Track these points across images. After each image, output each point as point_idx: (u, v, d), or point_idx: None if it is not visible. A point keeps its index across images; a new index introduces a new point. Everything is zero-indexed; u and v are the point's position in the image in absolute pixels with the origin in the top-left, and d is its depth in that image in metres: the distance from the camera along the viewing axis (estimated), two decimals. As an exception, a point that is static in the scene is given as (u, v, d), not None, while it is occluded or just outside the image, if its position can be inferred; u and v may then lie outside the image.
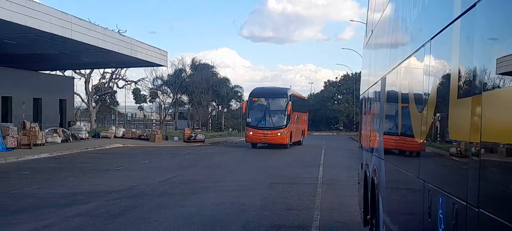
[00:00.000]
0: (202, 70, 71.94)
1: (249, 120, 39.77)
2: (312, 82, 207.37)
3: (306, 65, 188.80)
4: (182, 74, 72.64)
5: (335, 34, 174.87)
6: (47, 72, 46.12)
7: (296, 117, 41.65)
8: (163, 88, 73.13)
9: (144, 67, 61.48)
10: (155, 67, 61.81)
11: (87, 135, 42.15)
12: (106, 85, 67.64)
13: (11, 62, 35.86)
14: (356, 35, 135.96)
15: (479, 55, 3.03)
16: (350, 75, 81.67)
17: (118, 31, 35.35)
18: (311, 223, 11.46)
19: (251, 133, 39.27)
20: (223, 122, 74.24)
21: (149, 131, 50.73)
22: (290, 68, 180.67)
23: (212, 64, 76.52)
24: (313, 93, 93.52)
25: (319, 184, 18.16)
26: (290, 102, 39.45)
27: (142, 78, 71.58)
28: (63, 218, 11.66)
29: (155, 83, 72.23)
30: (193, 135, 45.79)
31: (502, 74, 2.65)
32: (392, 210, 6.29)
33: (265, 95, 40.64)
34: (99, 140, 41.99)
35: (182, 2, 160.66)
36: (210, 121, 74.36)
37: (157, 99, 75.19)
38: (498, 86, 2.73)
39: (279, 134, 38.44)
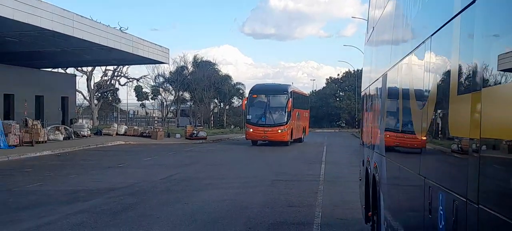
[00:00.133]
0: (204, 67, 71.90)
1: (249, 117, 39.45)
2: (314, 79, 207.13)
3: (308, 62, 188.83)
4: (184, 72, 72.61)
5: (337, 31, 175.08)
6: (49, 69, 46.15)
7: (297, 114, 41.25)
8: (165, 85, 73.15)
9: (146, 65, 61.52)
10: (157, 65, 61.87)
11: (89, 132, 42.17)
12: (108, 82, 67.65)
13: (13, 59, 35.89)
14: (358, 32, 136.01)
15: (478, 52, 3.04)
16: (352, 72, 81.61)
17: (120, 29, 35.46)
18: (313, 220, 11.47)
19: (251, 130, 38.94)
20: (225, 119, 74.23)
21: (151, 128, 50.70)
22: (292, 66, 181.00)
23: (214, 62, 76.52)
24: (315, 90, 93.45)
25: (321, 181, 18.17)
26: (290, 99, 39.09)
27: (144, 76, 71.70)
28: (65, 215, 11.68)
29: (157, 81, 72.27)
30: (195, 132, 45.78)
31: (503, 70, 2.66)
32: (393, 207, 6.29)
33: (266, 92, 40.28)
34: (101, 137, 42.00)
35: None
36: (212, 118, 74.33)
37: (159, 96, 75.23)
38: (498, 83, 2.73)
39: (279, 131, 38.11)
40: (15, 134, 30.48)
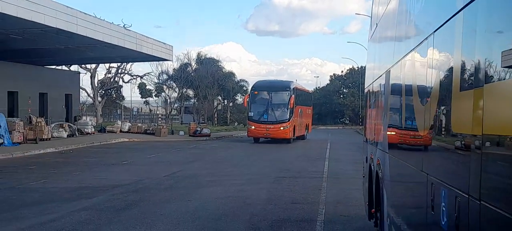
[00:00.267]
0: (208, 64, 71.90)
1: (251, 114, 38.88)
2: (317, 76, 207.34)
3: (312, 59, 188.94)
4: (188, 69, 72.63)
5: (341, 27, 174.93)
6: (53, 67, 46.19)
7: (299, 111, 40.81)
8: (169, 82, 73.17)
9: (149, 62, 61.57)
10: (160, 62, 61.91)
11: (93, 129, 42.23)
12: (111, 80, 67.74)
13: (17, 57, 35.96)
14: (362, 28, 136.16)
15: (481, 48, 3.03)
16: (356, 69, 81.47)
17: (124, 26, 35.42)
18: (316, 217, 11.47)
19: (253, 127, 38.41)
20: (228, 116, 74.25)
21: (154, 125, 50.78)
22: (296, 62, 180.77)
23: (218, 59, 76.51)
24: (318, 87, 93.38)
25: (325, 177, 18.17)
26: (293, 95, 38.60)
27: (148, 73, 71.69)
28: (69, 212, 11.71)
29: (160, 78, 72.30)
30: (199, 129, 45.78)
31: (507, 67, 2.65)
32: (396, 203, 6.29)
33: (268, 88, 39.75)
34: (105, 134, 42.07)
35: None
36: (215, 115, 74.34)
37: (163, 93, 75.25)
38: (500, 79, 2.73)
39: (282, 128, 37.61)
40: (19, 131, 30.56)
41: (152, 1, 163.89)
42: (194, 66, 73.71)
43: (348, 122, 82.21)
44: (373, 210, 8.71)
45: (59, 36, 28.74)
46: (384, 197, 7.32)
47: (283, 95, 38.65)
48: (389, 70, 7.03)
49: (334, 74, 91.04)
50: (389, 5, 7.64)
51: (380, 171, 7.76)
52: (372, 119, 9.74)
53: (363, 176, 10.95)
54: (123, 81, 69.89)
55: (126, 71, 67.64)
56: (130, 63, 64.50)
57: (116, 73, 67.06)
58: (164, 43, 40.79)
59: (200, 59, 73.85)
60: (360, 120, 64.04)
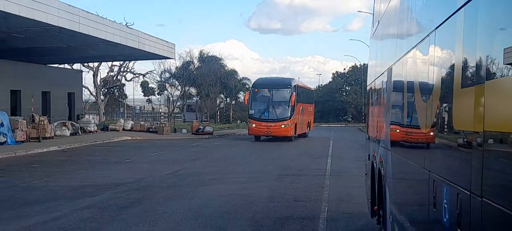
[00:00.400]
0: (210, 62, 71.86)
1: (251, 111, 38.55)
2: (320, 74, 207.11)
3: (314, 56, 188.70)
4: (190, 67, 72.60)
5: (343, 25, 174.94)
6: (56, 65, 46.27)
7: (301, 108, 40.47)
8: (171, 81, 73.16)
9: (152, 60, 61.56)
10: (163, 60, 61.88)
11: (95, 128, 42.27)
12: (114, 78, 67.71)
13: (20, 55, 36.01)
14: (364, 26, 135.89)
15: (482, 45, 3.03)
16: (358, 66, 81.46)
17: (126, 24, 35.39)
18: (319, 215, 11.47)
19: (254, 125, 38.10)
20: (231, 114, 74.24)
21: (157, 123, 50.78)
22: (298, 60, 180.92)
23: (220, 57, 76.45)
24: (321, 84, 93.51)
25: (327, 175, 18.17)
26: (294, 93, 38.23)
27: (150, 71, 71.69)
28: (72, 211, 11.73)
29: (163, 76, 72.26)
30: (201, 127, 45.78)
31: (509, 64, 2.64)
32: (399, 201, 6.29)
33: (268, 86, 39.37)
34: (107, 132, 42.11)
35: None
36: (218, 113, 74.33)
37: (165, 92, 75.25)
38: (501, 76, 2.72)
39: (283, 126, 37.27)
40: (22, 130, 30.60)
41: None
42: (197, 64, 73.68)
43: (350, 119, 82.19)
44: (376, 207, 8.71)
45: (61, 35, 28.77)
46: (386, 195, 7.32)
47: (284, 92, 38.29)
48: (391, 68, 7.03)
49: (336, 72, 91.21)
50: (391, 2, 7.64)
51: (382, 169, 7.76)
52: (374, 117, 9.74)
53: (366, 174, 10.95)
54: (125, 79, 69.89)
55: (128, 70, 67.61)
56: (133, 62, 64.47)
57: (119, 71, 67.03)
58: (167, 42, 40.80)
59: (203, 57, 73.82)
60: (363, 117, 63.99)
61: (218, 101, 75.93)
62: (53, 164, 22.10)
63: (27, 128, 31.33)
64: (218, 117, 73.40)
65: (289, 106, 37.77)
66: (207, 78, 69.45)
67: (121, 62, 63.95)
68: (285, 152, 28.83)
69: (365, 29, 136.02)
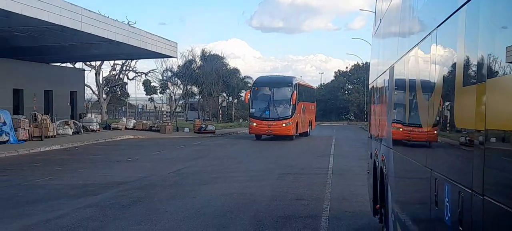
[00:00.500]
0: (212, 61, 71.81)
1: (252, 110, 38.19)
2: (322, 73, 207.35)
3: (316, 55, 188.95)
4: (192, 66, 72.55)
5: (346, 23, 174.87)
6: (58, 64, 46.29)
7: (302, 107, 40.07)
8: (174, 79, 73.15)
9: (154, 59, 61.57)
10: (165, 59, 61.89)
11: (98, 126, 42.27)
12: (116, 77, 67.76)
13: (22, 54, 36.04)
14: (367, 24, 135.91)
15: (484, 43, 3.03)
16: (361, 65, 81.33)
17: (128, 23, 35.48)
18: (321, 213, 11.48)
19: (254, 124, 37.71)
20: (233, 112, 74.22)
21: (159, 122, 50.80)
22: (300, 59, 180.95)
23: (222, 55, 76.38)
24: (323, 83, 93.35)
25: (329, 174, 18.17)
26: (295, 91, 37.86)
27: (152, 70, 71.70)
28: (74, 209, 11.75)
29: (165, 75, 72.24)
30: (204, 126, 45.78)
31: (511, 62, 2.64)
32: (401, 199, 6.29)
33: (269, 84, 38.93)
34: (110, 131, 42.12)
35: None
36: (220, 112, 74.29)
37: (168, 90, 75.26)
38: (503, 74, 2.72)
39: (284, 125, 36.94)
40: (24, 129, 30.64)
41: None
42: (199, 63, 73.61)
43: (353, 118, 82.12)
44: (378, 206, 8.71)
45: (63, 34, 28.80)
46: (388, 193, 7.32)
47: (285, 91, 37.96)
48: (393, 66, 7.03)
49: (338, 71, 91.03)
50: (393, 1, 7.64)
51: (384, 167, 7.76)
52: (376, 115, 9.73)
53: (368, 172, 10.95)
54: (127, 78, 70.00)
55: (130, 68, 67.69)
56: (135, 60, 64.51)
57: (121, 70, 67.10)
58: (169, 40, 40.80)
59: (205, 56, 73.76)
60: (365, 116, 63.94)
61: (220, 100, 75.87)
62: (56, 162, 22.13)
63: (29, 126, 31.37)
64: (220, 115, 73.38)
65: (290, 105, 37.45)
66: (209, 77, 69.41)
67: (123, 61, 63.99)
68: (287, 150, 28.83)
69: (367, 28, 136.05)
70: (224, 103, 77.11)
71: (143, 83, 74.29)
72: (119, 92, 72.73)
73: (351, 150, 28.72)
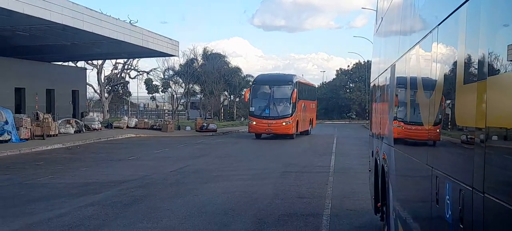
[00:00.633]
0: (214, 60, 71.85)
1: (252, 109, 37.90)
2: (324, 71, 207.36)
3: (318, 54, 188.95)
4: (194, 64, 72.60)
5: (348, 22, 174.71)
6: (60, 63, 46.31)
7: (302, 105, 39.83)
8: (175, 78, 73.17)
9: (156, 57, 61.59)
10: (167, 57, 61.92)
11: (100, 125, 42.32)
12: (118, 75, 67.81)
13: (24, 53, 36.06)
14: (368, 23, 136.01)
15: (484, 41, 3.03)
16: (362, 63, 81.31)
17: (130, 22, 35.49)
18: (323, 211, 11.49)
19: (254, 122, 37.39)
20: (235, 111, 74.24)
21: (161, 121, 50.82)
22: (302, 57, 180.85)
23: (224, 54, 76.40)
24: (325, 82, 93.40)
25: (331, 172, 18.18)
26: (295, 89, 37.52)
27: (154, 69, 71.77)
28: (76, 208, 11.77)
29: (167, 74, 72.26)
30: (205, 124, 45.80)
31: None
32: (402, 197, 6.30)
33: (269, 82, 38.66)
34: (111, 130, 42.16)
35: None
36: (222, 111, 74.34)
37: (169, 89, 75.30)
38: (504, 71, 2.73)
39: (284, 124, 36.64)
40: (26, 128, 30.68)
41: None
42: (200, 62, 73.67)
43: (354, 116, 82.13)
44: (379, 204, 8.71)
45: (65, 33, 28.81)
46: (389, 191, 7.32)
47: (285, 89, 37.64)
48: (394, 64, 7.03)
49: (340, 69, 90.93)
50: (394, -1, 7.64)
51: (385, 165, 7.77)
52: (378, 113, 9.74)
53: (369, 170, 10.95)
54: (129, 77, 70.04)
55: (132, 67, 67.73)
56: (137, 59, 64.55)
57: (123, 69, 67.12)
58: (170, 39, 40.79)
59: (206, 55, 73.80)
60: (367, 114, 63.92)
61: (222, 99, 75.90)
62: (57, 161, 22.16)
63: (31, 125, 31.40)
64: (222, 114, 73.41)
65: (290, 103, 37.13)
66: (211, 76, 69.44)
67: (125, 60, 64.04)
68: (288, 149, 28.84)
69: (369, 26, 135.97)
70: (225, 102, 77.14)
71: (145, 82, 74.41)
72: (121, 91, 72.78)
73: (353, 148, 28.72)
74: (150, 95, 79.15)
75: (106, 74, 65.67)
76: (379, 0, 10.71)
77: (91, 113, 47.84)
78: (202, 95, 74.56)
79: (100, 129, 41.45)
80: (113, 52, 43.61)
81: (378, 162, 8.86)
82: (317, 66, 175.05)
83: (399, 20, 6.91)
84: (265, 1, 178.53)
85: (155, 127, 45.09)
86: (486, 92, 2.91)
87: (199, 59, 74.07)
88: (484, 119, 2.90)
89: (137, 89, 75.48)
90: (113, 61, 63.86)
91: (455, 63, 3.65)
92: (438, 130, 4.26)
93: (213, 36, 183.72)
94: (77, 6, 27.42)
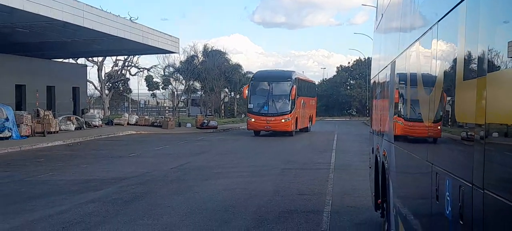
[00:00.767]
0: (214, 56, 71.80)
1: (250, 105, 37.48)
2: (324, 68, 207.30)
3: (319, 50, 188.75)
4: (194, 61, 72.56)
5: (348, 19, 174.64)
6: (60, 60, 46.33)
7: (302, 102, 39.48)
8: (176, 75, 73.16)
9: (156, 54, 61.63)
10: (167, 54, 61.94)
11: (100, 122, 42.36)
12: (118, 72, 67.85)
13: (25, 50, 36.10)
14: (369, 19, 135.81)
15: (484, 37, 3.03)
16: (363, 60, 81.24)
17: (130, 19, 35.38)
18: (323, 208, 11.49)
19: (253, 119, 36.99)
20: (235, 108, 74.22)
21: (162, 117, 50.89)
22: (303, 54, 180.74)
23: (224, 51, 76.35)
24: (325, 78, 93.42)
25: (331, 169, 18.18)
26: (294, 86, 37.14)
27: (155, 65, 71.77)
28: (76, 205, 11.78)
29: (167, 71, 72.25)
30: (206, 121, 45.79)
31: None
32: (402, 194, 6.30)
33: (268, 79, 38.25)
34: (112, 127, 42.20)
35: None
36: (222, 107, 74.30)
37: (170, 86, 75.29)
38: (503, 67, 2.73)
39: (283, 121, 36.21)
40: (27, 124, 30.70)
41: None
42: (201, 59, 73.61)
43: (355, 113, 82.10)
44: (380, 200, 8.71)
45: (65, 29, 28.83)
46: (390, 188, 7.32)
47: (284, 86, 37.24)
48: (395, 61, 7.03)
49: (341, 66, 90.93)
50: (394, -5, 7.64)
51: (386, 162, 7.77)
52: (378, 110, 9.73)
53: (370, 167, 10.95)
54: (130, 74, 70.07)
55: (133, 64, 67.76)
56: (137, 56, 64.57)
57: (123, 66, 67.16)
58: (171, 36, 40.82)
59: (207, 52, 73.75)
60: (367, 111, 63.90)
61: (222, 96, 75.86)
62: (58, 158, 22.18)
63: (32, 122, 31.43)
64: (223, 111, 73.39)
65: (289, 100, 36.75)
66: (211, 73, 69.39)
67: (126, 57, 64.09)
68: (288, 146, 28.83)
69: (370, 23, 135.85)
70: (226, 99, 77.08)
71: (145, 79, 74.43)
72: (121, 88, 72.76)
73: (353, 145, 28.72)
74: (151, 92, 79.17)
75: (106, 71, 65.81)
76: (380, -3, 10.70)
77: (91, 110, 47.95)
78: (202, 92, 74.53)
79: (101, 126, 41.50)
80: (113, 49, 43.68)
81: (379, 159, 8.86)
82: (318, 63, 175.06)
83: (399, 16, 6.91)
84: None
85: (155, 124, 45.12)
86: (485, 88, 2.91)
87: (200, 56, 74.03)
88: (483, 115, 2.90)
89: (137, 86, 75.53)
90: (114, 58, 63.95)
91: (455, 60, 3.65)
92: (438, 127, 4.27)
93: (214, 33, 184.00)
94: (77, 3, 27.45)
